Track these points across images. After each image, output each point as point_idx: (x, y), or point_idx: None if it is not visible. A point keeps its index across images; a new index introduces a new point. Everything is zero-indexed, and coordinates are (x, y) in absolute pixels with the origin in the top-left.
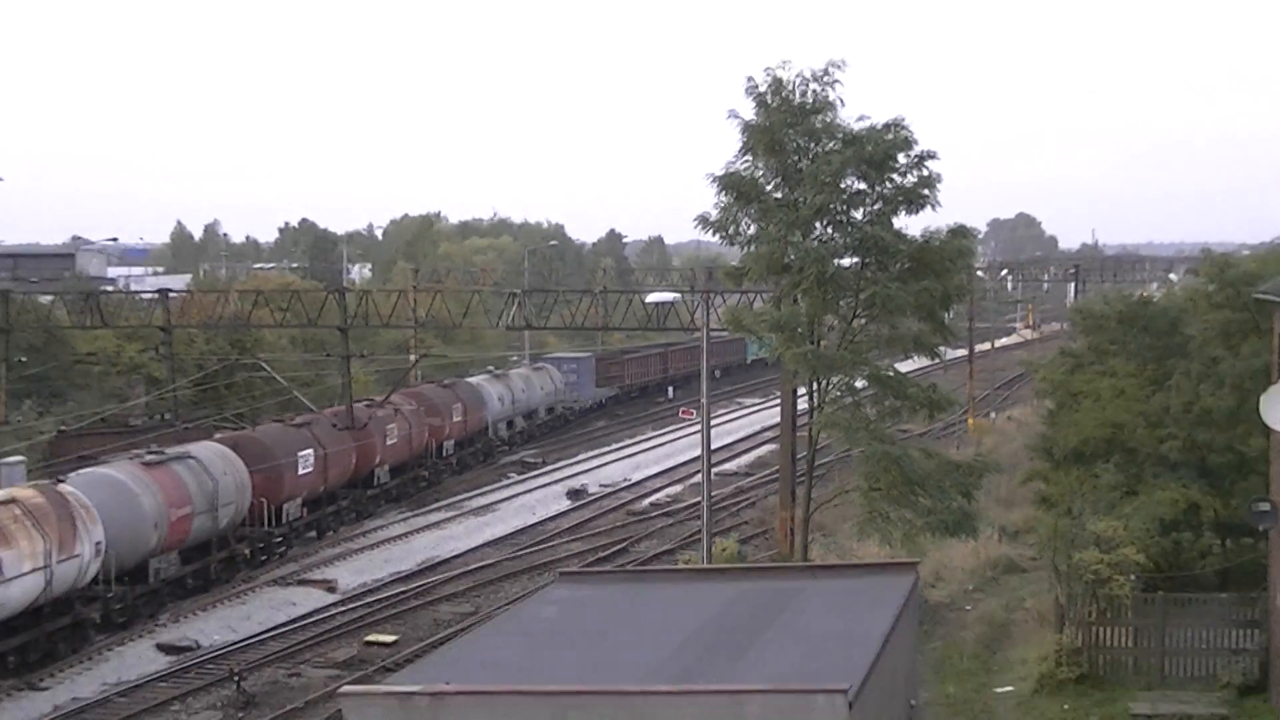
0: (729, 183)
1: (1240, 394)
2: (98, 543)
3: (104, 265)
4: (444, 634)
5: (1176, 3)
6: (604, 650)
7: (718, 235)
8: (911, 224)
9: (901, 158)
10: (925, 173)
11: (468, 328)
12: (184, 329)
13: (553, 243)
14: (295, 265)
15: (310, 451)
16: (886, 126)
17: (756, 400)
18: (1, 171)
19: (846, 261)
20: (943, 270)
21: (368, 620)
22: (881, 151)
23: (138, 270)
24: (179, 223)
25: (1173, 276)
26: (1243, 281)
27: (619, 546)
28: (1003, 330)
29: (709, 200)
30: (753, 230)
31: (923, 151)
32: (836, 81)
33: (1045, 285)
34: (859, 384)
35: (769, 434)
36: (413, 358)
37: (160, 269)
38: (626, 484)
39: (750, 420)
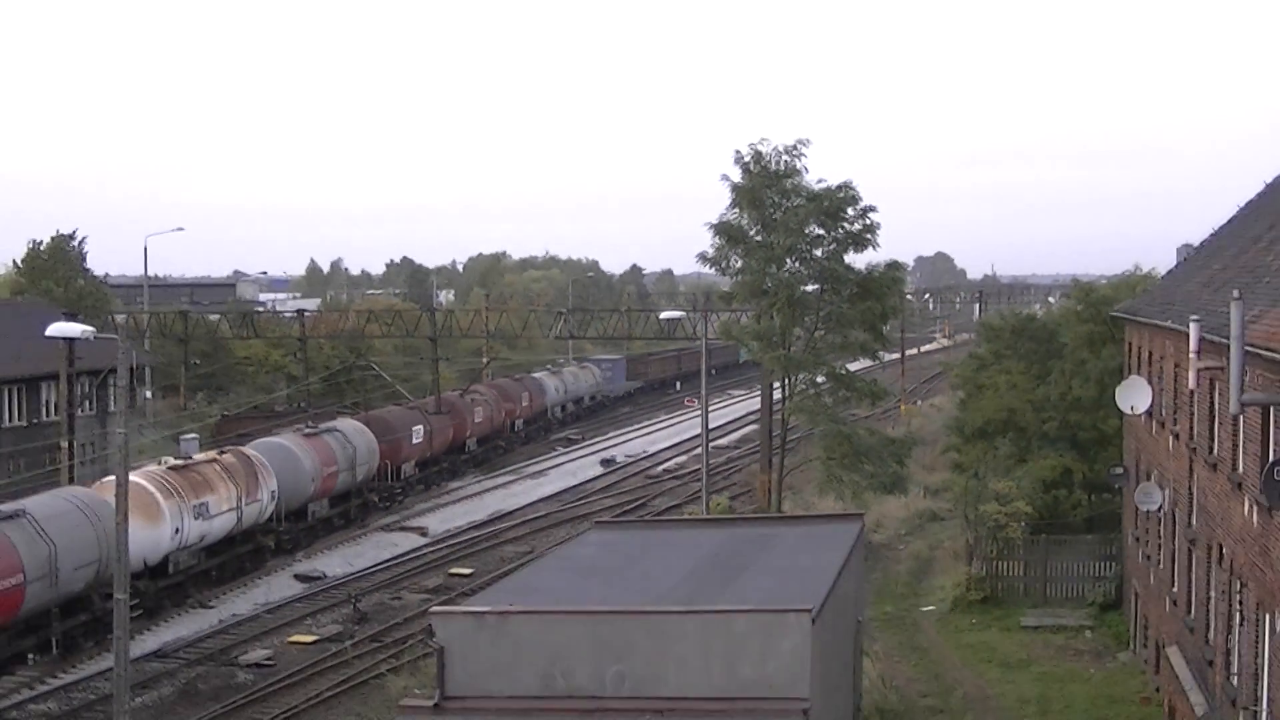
0: (721, 229)
1: (1101, 386)
2: (272, 491)
3: (257, 291)
4: (508, 568)
5: (1046, 92)
6: (628, 580)
7: (714, 268)
8: (858, 260)
9: (850, 210)
10: (868, 221)
11: (526, 338)
12: (315, 339)
13: (590, 274)
14: (398, 291)
15: (421, 426)
16: (839, 187)
17: (742, 392)
18: (181, 223)
19: (810, 288)
20: (881, 294)
21: (451, 557)
22: (835, 205)
23: (281, 295)
24: (312, 259)
25: (1051, 299)
26: (1102, 303)
27: (639, 501)
28: (926, 339)
29: (707, 241)
30: (739, 264)
31: (866, 206)
32: (802, 154)
33: (957, 305)
34: (819, 379)
35: (752, 417)
36: (485, 360)
37: (298, 294)
38: (645, 455)
39: (738, 408)
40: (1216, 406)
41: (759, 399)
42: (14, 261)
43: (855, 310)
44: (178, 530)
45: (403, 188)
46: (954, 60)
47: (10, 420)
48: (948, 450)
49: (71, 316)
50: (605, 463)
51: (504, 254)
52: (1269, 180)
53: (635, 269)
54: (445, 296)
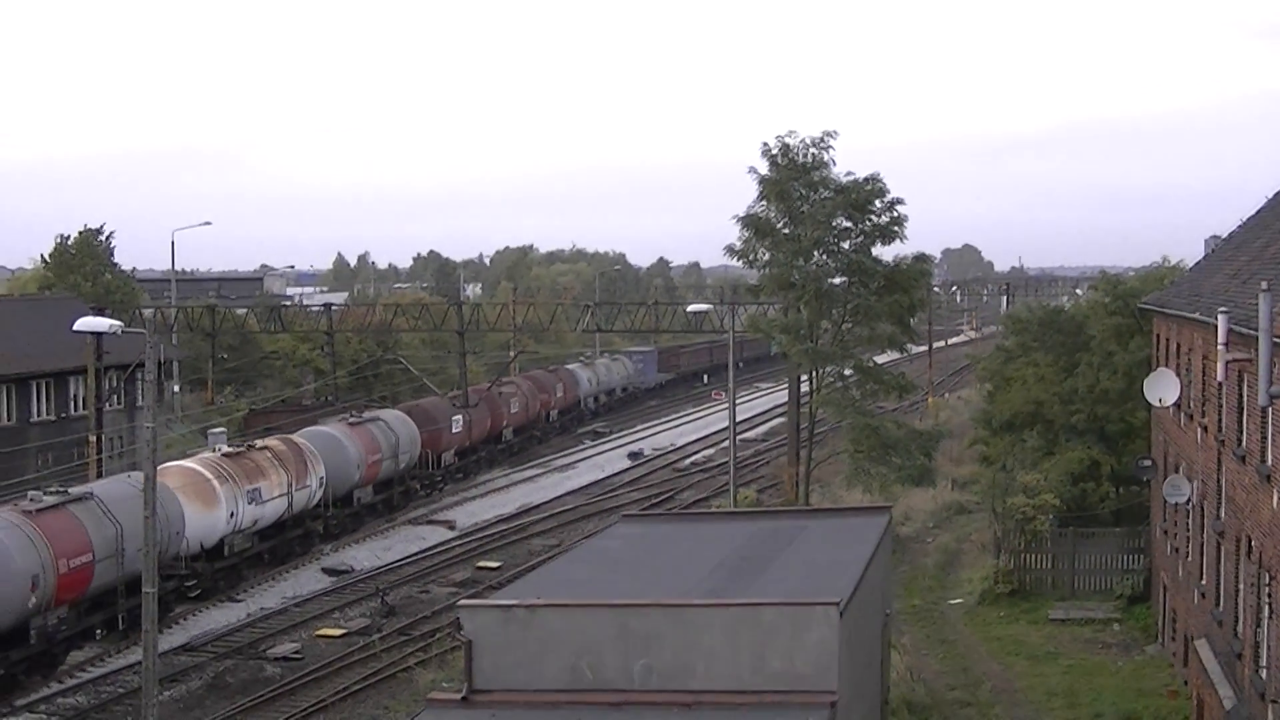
0: (749, 222)
1: (1129, 378)
2: (320, 477)
3: (284, 286)
4: (536, 561)
5: (1077, 87)
6: (655, 573)
7: (741, 261)
8: (885, 252)
9: (878, 203)
10: (895, 214)
11: (553, 331)
12: (342, 333)
13: (617, 267)
14: (425, 285)
15: (460, 416)
16: (867, 180)
17: (770, 385)
18: (208, 217)
19: (837, 280)
20: (909, 287)
21: (478, 550)
22: (863, 198)
23: (309, 289)
24: (339, 253)
25: (1079, 292)
26: (1130, 295)
27: (667, 495)
28: (953, 332)
29: (734, 234)
30: (767, 257)
31: (893, 198)
32: (829, 147)
33: (984, 298)
34: (847, 372)
35: (779, 410)
36: (512, 354)
37: (325, 288)
38: (672, 448)
39: (766, 400)
40: (1245, 398)
41: (786, 392)
42: (42, 256)
43: (883, 303)
44: (233, 514)
45: (430, 182)
46: (982, 51)
47: (39, 415)
48: (975, 443)
49: (99, 311)
50: (633, 456)
51: (531, 247)
52: None
53: (662, 262)
54: (472, 290)
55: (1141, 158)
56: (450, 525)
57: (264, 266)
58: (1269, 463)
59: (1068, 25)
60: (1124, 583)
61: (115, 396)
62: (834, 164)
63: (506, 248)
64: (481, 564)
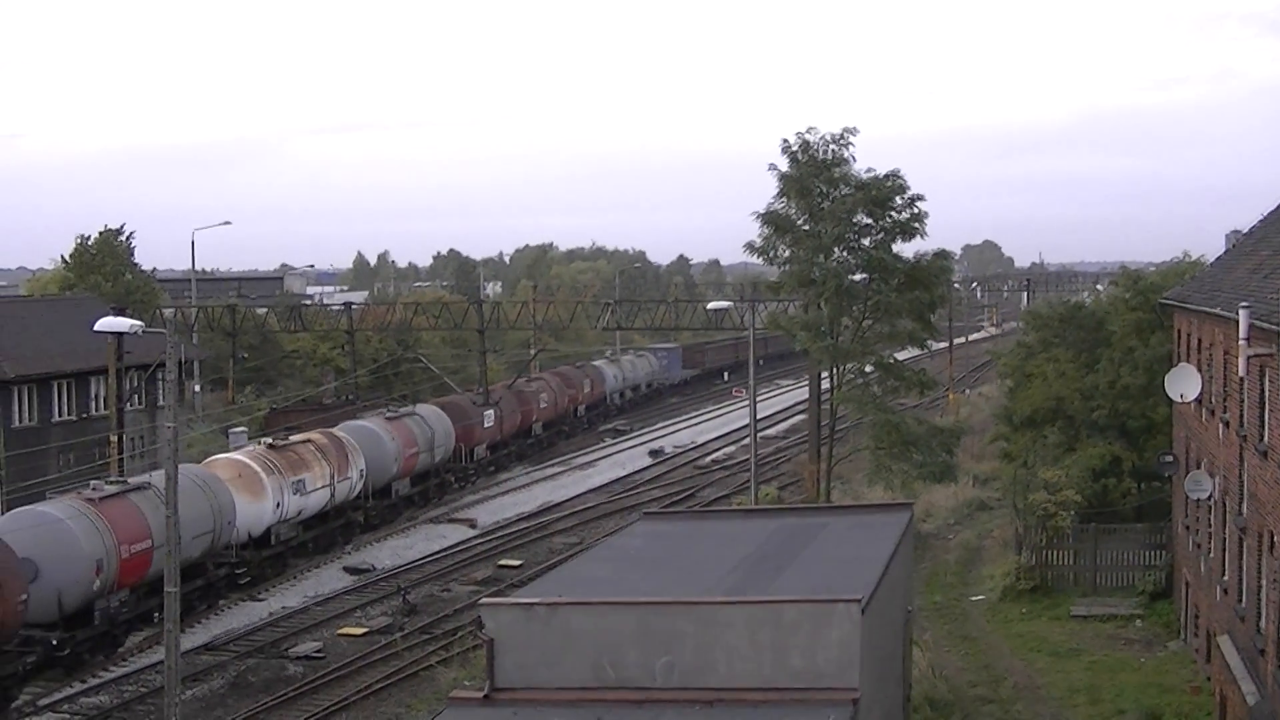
0: (769, 219)
1: (1150, 374)
2: (360, 469)
3: (304, 285)
4: (557, 559)
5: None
6: (677, 571)
7: (761, 258)
8: (905, 249)
9: (898, 199)
10: (915, 210)
11: (573, 329)
12: (362, 332)
13: (636, 265)
14: (445, 284)
15: (491, 412)
16: (887, 176)
17: (790, 382)
18: (228, 217)
19: (857, 277)
20: (929, 283)
21: (500, 549)
22: (883, 195)
23: (329, 288)
24: (359, 252)
25: (1099, 287)
26: (1150, 290)
27: (688, 492)
28: (974, 328)
29: (754, 231)
30: (787, 254)
31: (913, 195)
32: (849, 143)
33: (1005, 294)
34: (868, 369)
35: (800, 407)
36: (532, 351)
37: (345, 287)
38: (693, 445)
39: (786, 398)
40: (1267, 393)
41: (807, 389)
42: (62, 257)
43: (903, 299)
44: (279, 504)
45: (449, 180)
46: (1002, 45)
47: (60, 415)
48: (996, 439)
49: (120, 311)
50: (654, 453)
51: (551, 245)
52: None
53: (682, 259)
54: (492, 288)
55: (1162, 152)
56: (471, 523)
57: (284, 266)
58: None
59: (1087, 18)
60: (1146, 579)
61: (136, 396)
62: (854, 160)
63: (526, 246)
64: (503, 562)
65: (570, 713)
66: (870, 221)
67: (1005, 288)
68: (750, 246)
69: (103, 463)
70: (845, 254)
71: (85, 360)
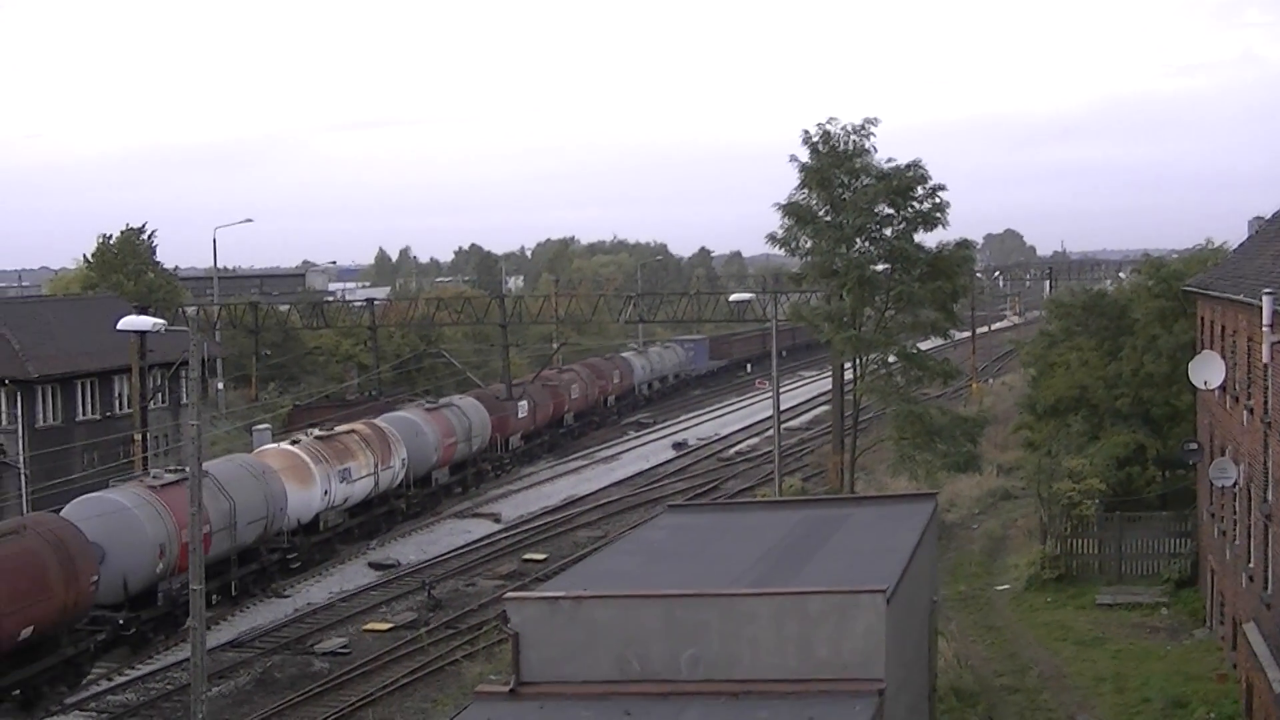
0: (790, 210)
1: (1173, 362)
2: (403, 459)
3: (326, 281)
4: (581, 553)
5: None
6: (702, 563)
7: (783, 249)
8: (927, 238)
9: (919, 189)
10: (937, 200)
11: (596, 322)
12: (385, 328)
13: (658, 258)
14: (467, 279)
15: (525, 403)
16: (908, 166)
17: (813, 373)
18: (249, 214)
19: (879, 267)
20: (952, 273)
21: (524, 543)
22: (904, 185)
23: (351, 284)
24: (381, 248)
25: (1122, 275)
26: (1173, 278)
27: (712, 484)
28: (996, 317)
29: (775, 222)
30: (809, 245)
31: (935, 185)
32: (870, 134)
33: (1027, 283)
34: (890, 359)
35: (823, 399)
36: (555, 345)
37: (367, 283)
38: (717, 438)
39: (810, 389)
40: None
41: (830, 380)
42: (84, 256)
43: (925, 289)
44: (326, 492)
45: (470, 175)
46: (1023, 32)
47: (84, 414)
48: (1020, 428)
49: (142, 310)
50: (677, 446)
51: (572, 239)
52: None
53: (704, 252)
54: (514, 283)
55: (1184, 139)
56: (496, 518)
57: (306, 262)
58: None
59: (1107, 5)
60: (1171, 567)
61: (159, 394)
62: (875, 151)
63: (548, 240)
64: (527, 556)
65: (596, 706)
66: (892, 211)
67: (1027, 276)
68: (772, 238)
69: (126, 461)
70: (867, 244)
71: (108, 359)
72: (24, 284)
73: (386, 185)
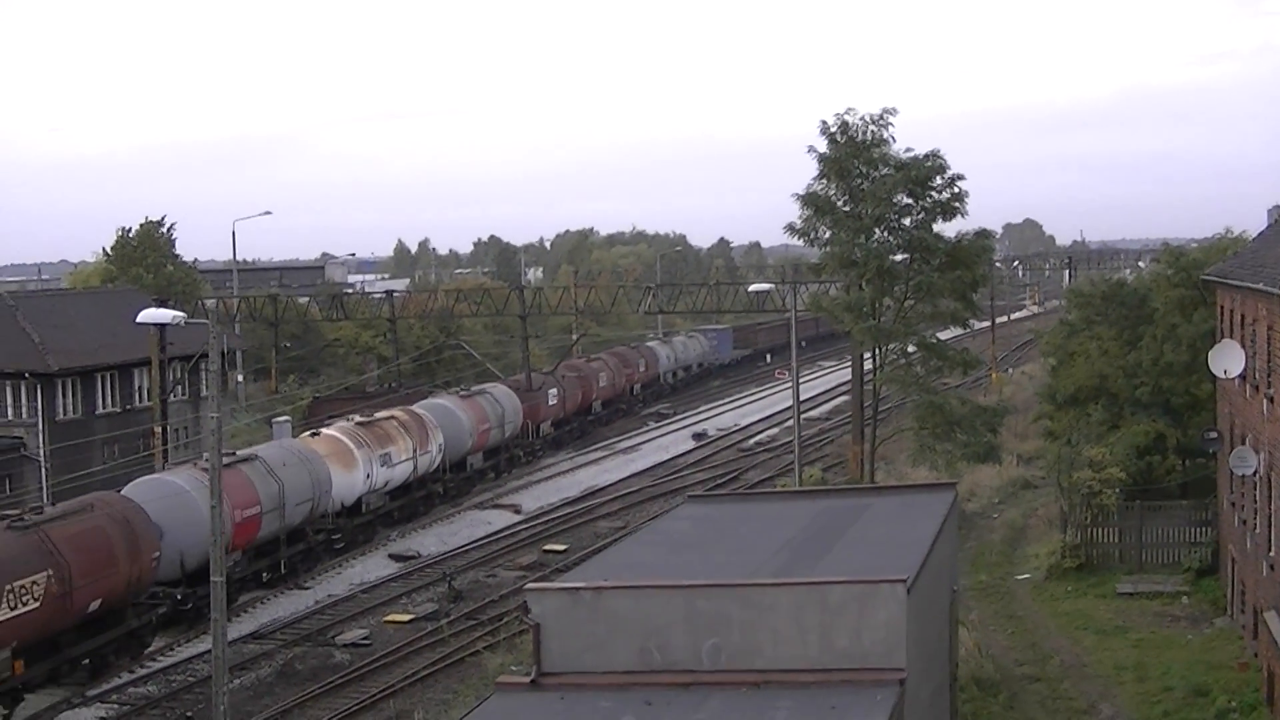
0: (809, 200)
1: (1193, 350)
2: (440, 444)
3: (345, 274)
4: (602, 543)
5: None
6: (722, 554)
7: (802, 239)
8: (946, 228)
9: (938, 179)
10: (956, 190)
11: (615, 313)
12: (404, 320)
13: (677, 249)
14: (486, 270)
15: (555, 390)
16: (927, 156)
17: (833, 363)
18: (268, 207)
19: (899, 257)
20: (971, 263)
21: (544, 534)
22: (923, 175)
23: (370, 276)
24: (400, 240)
25: (1141, 264)
26: (1193, 267)
27: (732, 475)
28: (1016, 307)
29: (794, 212)
30: (828, 235)
31: (954, 174)
32: (889, 124)
33: (1047, 272)
34: (910, 349)
35: (843, 389)
36: (574, 336)
37: (386, 275)
38: (736, 428)
39: (829, 379)
40: None
41: (849, 370)
42: (104, 249)
43: (945, 279)
44: (368, 476)
45: (489, 167)
46: (1041, 22)
47: (105, 406)
48: (1040, 418)
49: (162, 303)
50: (697, 436)
51: (591, 230)
52: None
53: (723, 242)
54: (533, 274)
55: (1204, 128)
56: (516, 509)
57: (325, 255)
58: None
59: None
60: (1192, 556)
61: (179, 387)
62: (893, 141)
63: (567, 231)
64: (548, 547)
65: (617, 697)
66: (911, 201)
67: (1047, 266)
68: (791, 228)
69: (147, 454)
70: (886, 234)
71: (128, 352)
72: (43, 278)
73: (405, 178)
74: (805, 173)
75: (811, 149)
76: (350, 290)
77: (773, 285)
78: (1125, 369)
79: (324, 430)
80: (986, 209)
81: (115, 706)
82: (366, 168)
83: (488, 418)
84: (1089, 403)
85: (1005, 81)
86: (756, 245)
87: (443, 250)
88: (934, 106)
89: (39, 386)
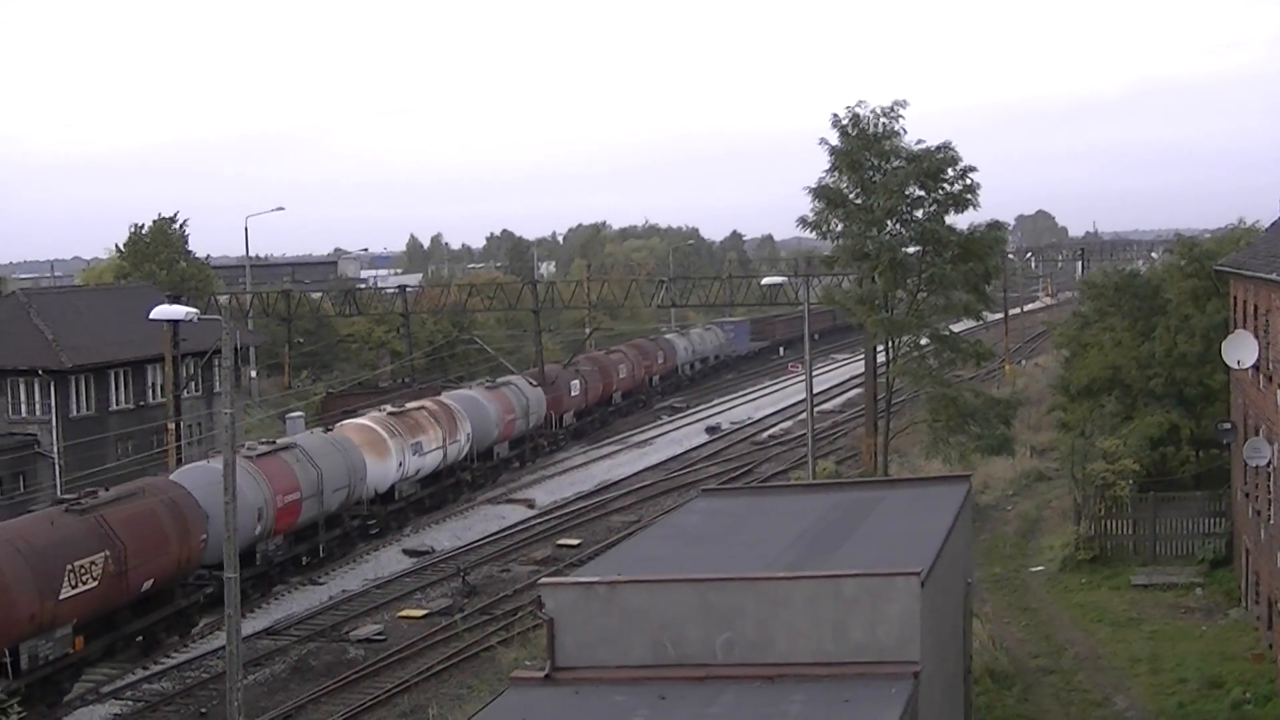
0: (820, 193)
1: (1206, 341)
2: (468, 433)
3: (358, 269)
4: (616, 538)
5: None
6: (736, 547)
7: (814, 232)
8: (959, 220)
9: (950, 171)
10: (968, 182)
11: (628, 307)
12: (417, 315)
13: (690, 242)
14: (499, 265)
15: (577, 381)
16: (938, 148)
17: (845, 356)
18: (281, 202)
19: (911, 250)
20: (983, 254)
21: (558, 528)
22: (935, 167)
23: (383, 272)
24: (412, 235)
25: (1154, 255)
26: (1206, 257)
27: (745, 468)
28: (1029, 298)
29: (806, 205)
30: (840, 228)
31: (965, 166)
32: (900, 116)
33: (1059, 264)
34: (923, 341)
35: (856, 381)
36: (587, 330)
37: (399, 270)
38: (750, 421)
39: (842, 372)
40: None
41: (862, 363)
42: (117, 246)
43: (957, 271)
44: (400, 464)
45: (502, 161)
46: (1053, 13)
47: (118, 403)
48: (1053, 409)
49: (175, 299)
50: (710, 430)
51: (604, 224)
52: None
53: (735, 235)
54: (546, 268)
55: (1217, 119)
56: (529, 504)
57: (338, 250)
58: None
59: None
60: (1206, 547)
61: (193, 383)
62: (905, 133)
63: (579, 225)
64: (562, 542)
65: (631, 691)
66: (923, 193)
67: (1059, 257)
68: (803, 221)
69: (160, 450)
70: (898, 227)
71: (141, 349)
72: (56, 275)
73: (418, 173)
74: (817, 166)
75: (823, 142)
76: (363, 285)
77: (785, 278)
78: (1139, 360)
79: (358, 420)
80: (999, 201)
81: (129, 703)
82: (379, 163)
83: (513, 408)
84: (1102, 394)
85: (1017, 74)
86: (769, 238)
87: (455, 245)
88: (946, 99)
89: (53, 383)
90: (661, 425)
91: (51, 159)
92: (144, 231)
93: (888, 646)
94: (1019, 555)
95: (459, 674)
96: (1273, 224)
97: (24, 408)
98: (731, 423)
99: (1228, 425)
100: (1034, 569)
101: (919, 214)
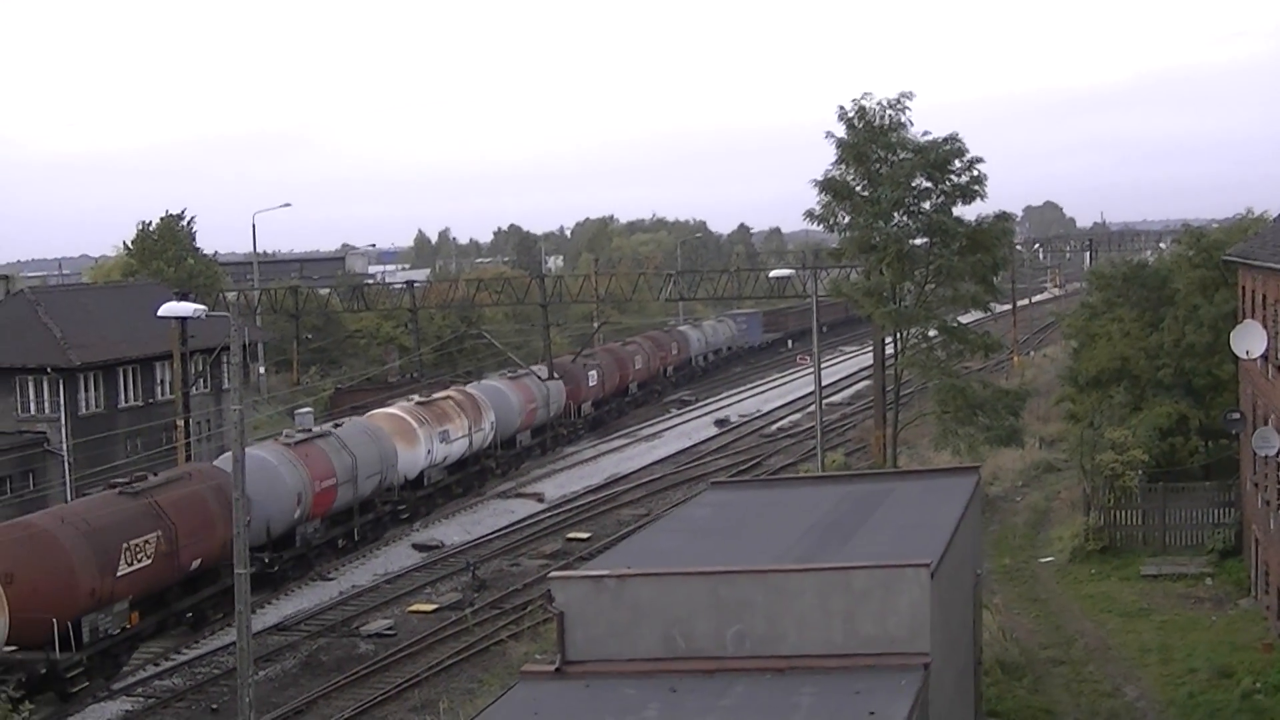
0: (827, 185)
1: (1215, 331)
2: (491, 422)
3: (366, 264)
4: (625, 531)
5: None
6: (746, 540)
7: (821, 225)
8: (966, 212)
9: (957, 162)
10: (975, 173)
11: (636, 301)
12: (425, 310)
13: (698, 235)
14: (506, 259)
15: (594, 372)
16: (945, 139)
17: (854, 348)
18: (288, 199)
19: (918, 241)
20: (991, 246)
21: (568, 522)
22: (942, 158)
23: (391, 267)
24: (420, 230)
25: (1162, 246)
26: (1214, 248)
27: (755, 461)
28: (1037, 289)
29: (814, 198)
30: (847, 220)
31: (972, 157)
32: (906, 108)
33: (1067, 255)
34: (931, 333)
35: (865, 374)
36: (595, 324)
37: (407, 265)
38: (759, 414)
39: (851, 364)
40: None
41: (871, 355)
42: (125, 243)
43: (965, 263)
44: (429, 451)
45: (509, 156)
46: (1059, 8)
47: (127, 400)
48: (1062, 400)
49: (183, 296)
50: (719, 423)
51: (611, 218)
52: None
53: (743, 228)
54: (554, 263)
55: (1223, 108)
56: (539, 497)
57: (345, 246)
58: None
59: None
60: (1215, 537)
61: (201, 380)
62: (911, 125)
63: (587, 219)
64: (571, 535)
65: (642, 684)
66: (930, 185)
67: (1067, 248)
68: (810, 214)
69: (169, 447)
70: (905, 218)
71: (150, 346)
72: (64, 273)
73: (425, 168)
74: (824, 158)
75: (830, 134)
76: (371, 281)
77: (793, 271)
78: (1147, 350)
79: (387, 409)
80: (1006, 192)
81: (141, 700)
82: (386, 159)
83: (534, 398)
84: (1111, 385)
85: (1024, 65)
86: (777, 231)
87: (463, 240)
88: (952, 92)
89: (61, 381)
90: (670, 419)
91: (59, 158)
92: (152, 229)
93: (898, 638)
94: (1028, 546)
95: (469, 668)
96: None
97: (33, 406)
98: (740, 415)
99: (1236, 415)
100: (1043, 560)
101: (926, 205)
